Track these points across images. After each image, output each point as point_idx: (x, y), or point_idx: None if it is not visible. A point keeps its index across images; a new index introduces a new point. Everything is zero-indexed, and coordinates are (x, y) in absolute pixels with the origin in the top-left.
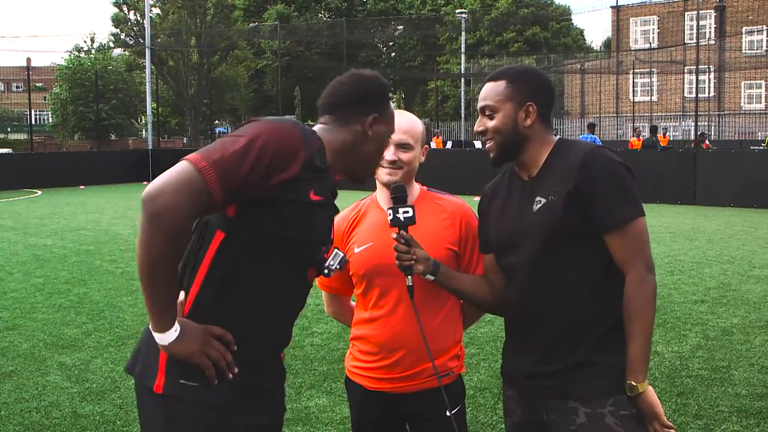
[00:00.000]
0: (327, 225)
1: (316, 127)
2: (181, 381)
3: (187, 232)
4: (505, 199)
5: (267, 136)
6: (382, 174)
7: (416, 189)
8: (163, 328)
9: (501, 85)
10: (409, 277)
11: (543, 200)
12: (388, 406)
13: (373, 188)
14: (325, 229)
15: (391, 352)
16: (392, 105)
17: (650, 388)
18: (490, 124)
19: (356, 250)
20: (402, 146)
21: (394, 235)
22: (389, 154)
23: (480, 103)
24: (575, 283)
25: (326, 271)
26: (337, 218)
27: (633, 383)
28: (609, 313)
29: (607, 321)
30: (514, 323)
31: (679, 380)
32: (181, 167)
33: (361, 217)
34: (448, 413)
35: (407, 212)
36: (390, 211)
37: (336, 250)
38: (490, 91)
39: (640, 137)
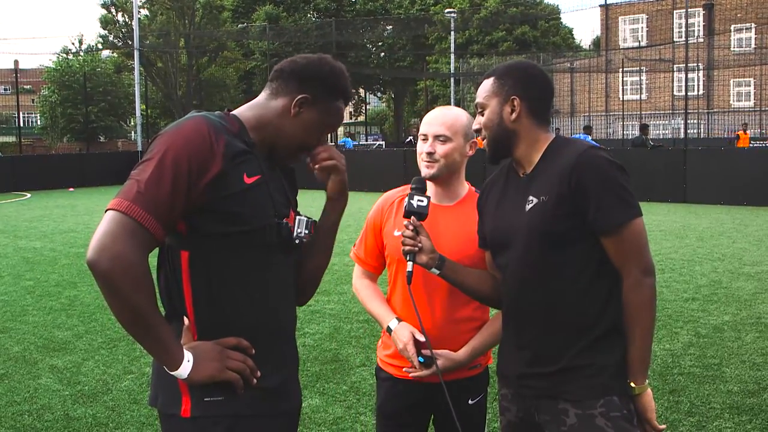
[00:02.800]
0: (276, 198)
1: (241, 108)
2: (205, 399)
3: (146, 275)
4: (501, 194)
5: (174, 148)
6: (421, 167)
7: (464, 188)
8: (175, 364)
9: (489, 81)
10: (410, 263)
11: (535, 200)
12: (416, 396)
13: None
14: (275, 204)
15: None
16: (342, 104)
17: (648, 391)
18: (482, 121)
19: (396, 233)
20: (439, 138)
21: (405, 222)
22: (426, 146)
23: (475, 102)
24: (566, 284)
25: (297, 241)
26: (385, 195)
27: (632, 384)
28: (602, 315)
29: (600, 323)
30: (508, 321)
31: (671, 378)
32: (109, 218)
33: (401, 200)
34: (470, 401)
35: (421, 201)
36: (423, 199)
37: (298, 217)
38: (480, 89)
39: (747, 131)
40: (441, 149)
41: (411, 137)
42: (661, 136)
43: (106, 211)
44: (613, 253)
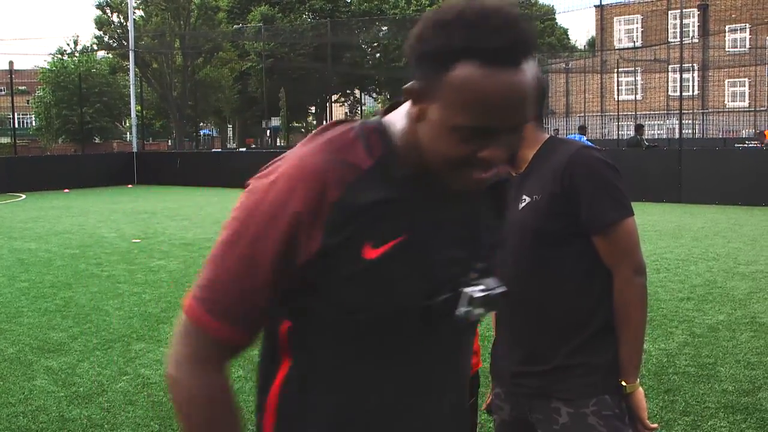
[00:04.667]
0: (437, 262)
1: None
2: None
3: (214, 404)
4: None
5: (256, 222)
6: None
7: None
8: None
9: None
10: None
11: (528, 199)
12: None
13: None
14: (429, 274)
15: None
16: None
17: (640, 390)
18: None
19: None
20: None
21: None
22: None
23: None
24: (558, 283)
25: (459, 321)
26: None
27: (623, 383)
28: (595, 314)
29: (592, 322)
30: (501, 320)
31: (666, 377)
32: (181, 331)
33: None
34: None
35: None
36: None
37: (467, 289)
38: None
39: None
40: None
41: None
42: (657, 137)
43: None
44: (605, 252)
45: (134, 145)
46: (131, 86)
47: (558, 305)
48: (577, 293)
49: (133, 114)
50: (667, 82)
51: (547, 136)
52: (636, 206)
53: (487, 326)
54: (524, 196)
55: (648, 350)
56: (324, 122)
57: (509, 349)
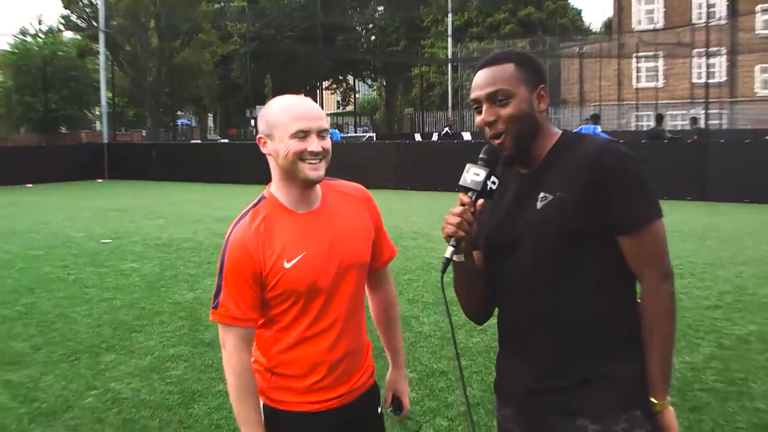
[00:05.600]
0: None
1: None
2: None
3: None
4: (496, 191)
5: None
6: (308, 170)
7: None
8: None
9: (509, 68)
10: (450, 249)
11: (549, 197)
12: (325, 424)
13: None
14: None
15: (334, 366)
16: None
17: (670, 408)
18: (505, 111)
19: (287, 265)
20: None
21: (466, 199)
22: (312, 144)
23: (485, 90)
24: (582, 288)
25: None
26: (241, 236)
27: (653, 401)
28: (620, 323)
29: (618, 331)
30: (510, 334)
31: (692, 394)
32: None
33: (270, 225)
34: (380, 410)
35: (477, 175)
36: (480, 173)
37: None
38: (498, 75)
39: None
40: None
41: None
42: (679, 128)
43: None
44: (631, 255)
45: (105, 135)
46: (101, 71)
47: (581, 312)
48: (601, 299)
49: (103, 101)
50: (691, 67)
51: (560, 131)
52: None
53: (489, 337)
54: (543, 194)
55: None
56: None
57: (522, 365)
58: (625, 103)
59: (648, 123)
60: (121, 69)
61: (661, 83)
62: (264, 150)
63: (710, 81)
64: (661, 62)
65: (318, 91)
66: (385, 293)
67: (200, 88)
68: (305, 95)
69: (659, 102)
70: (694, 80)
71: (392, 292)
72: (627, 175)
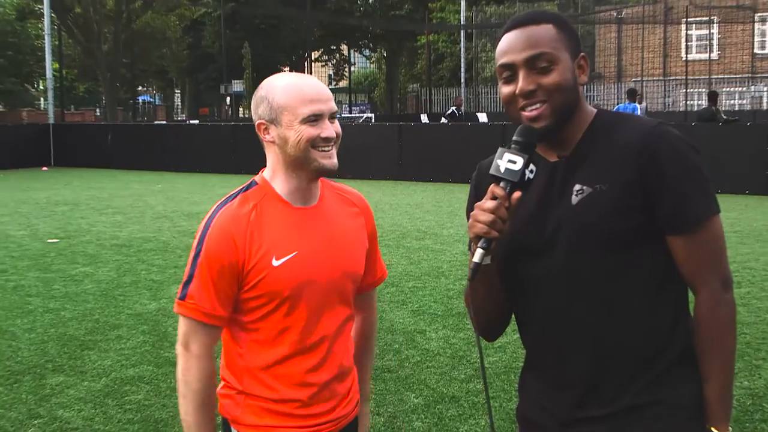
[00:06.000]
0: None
1: None
2: None
3: None
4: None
5: None
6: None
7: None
8: None
9: (550, 29)
10: (480, 252)
11: (587, 189)
12: None
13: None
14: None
15: (320, 390)
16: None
17: None
18: (548, 79)
19: (275, 263)
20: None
21: (500, 191)
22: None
23: (524, 53)
24: (628, 299)
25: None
26: (227, 220)
27: (712, 430)
28: (671, 339)
29: (669, 349)
30: (540, 353)
31: (752, 425)
32: None
33: (261, 214)
34: None
35: (513, 163)
36: (517, 160)
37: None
38: (539, 36)
39: None
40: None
41: (454, 108)
42: (737, 108)
43: None
44: (685, 258)
45: (50, 114)
46: (46, 37)
47: (626, 328)
48: (650, 312)
49: (48, 74)
50: (753, 36)
51: (595, 109)
52: None
53: (509, 356)
54: (580, 186)
55: None
56: None
57: (557, 390)
58: (672, 78)
59: (699, 102)
60: (70, 35)
61: (715, 55)
62: (267, 137)
63: None
64: (716, 30)
65: (306, 63)
66: (367, 319)
67: (165, 58)
68: (291, 68)
69: (713, 77)
70: (756, 51)
71: (374, 319)
72: (681, 164)
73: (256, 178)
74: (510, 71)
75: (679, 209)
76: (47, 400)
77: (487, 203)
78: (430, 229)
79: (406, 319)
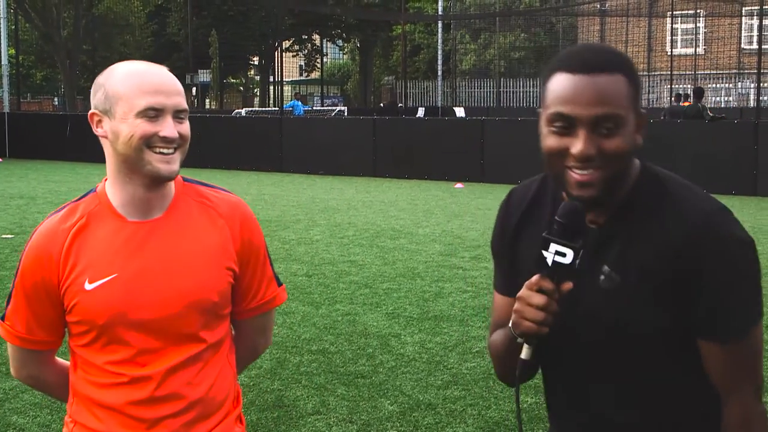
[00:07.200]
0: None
1: None
2: None
3: None
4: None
5: None
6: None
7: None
8: None
9: (622, 82)
10: (527, 348)
11: (615, 277)
12: None
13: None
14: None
15: (150, 428)
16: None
17: None
18: (610, 144)
19: (88, 287)
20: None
21: (548, 285)
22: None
23: (593, 110)
24: (649, 401)
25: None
26: (45, 236)
27: None
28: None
29: None
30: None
31: None
32: None
33: (84, 229)
34: None
35: (562, 256)
36: (568, 253)
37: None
38: (610, 91)
39: None
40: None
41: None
42: (723, 105)
43: None
44: (717, 366)
45: (6, 103)
46: (2, 21)
47: (651, 423)
48: (676, 419)
49: (4, 60)
50: (740, 30)
51: (638, 163)
52: None
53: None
54: (608, 269)
55: None
56: (272, 77)
57: None
58: (656, 73)
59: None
60: (27, 19)
61: (701, 49)
62: (98, 131)
63: (763, 47)
64: (702, 23)
65: (276, 52)
66: (248, 347)
67: (128, 46)
68: (260, 59)
69: (699, 73)
70: (744, 46)
71: (259, 346)
72: (731, 272)
73: (99, 185)
74: (567, 123)
75: (716, 320)
76: (0, 405)
77: (535, 298)
78: (405, 228)
79: (380, 322)
